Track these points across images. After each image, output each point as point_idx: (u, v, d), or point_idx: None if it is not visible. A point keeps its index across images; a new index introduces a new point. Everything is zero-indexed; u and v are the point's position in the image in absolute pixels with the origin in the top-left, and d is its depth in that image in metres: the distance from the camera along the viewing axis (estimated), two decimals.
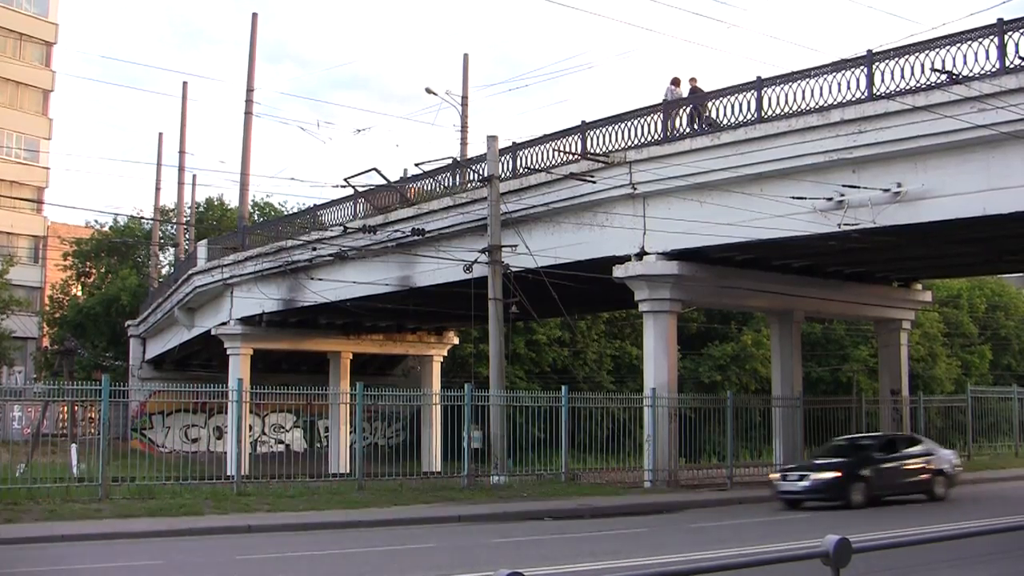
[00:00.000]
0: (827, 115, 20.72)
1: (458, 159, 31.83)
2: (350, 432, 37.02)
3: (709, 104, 23.53)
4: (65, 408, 36.56)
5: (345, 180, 29.48)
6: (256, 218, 53.41)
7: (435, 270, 28.87)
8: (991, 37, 18.37)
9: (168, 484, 22.43)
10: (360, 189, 30.53)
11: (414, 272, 30.27)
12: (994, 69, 18.26)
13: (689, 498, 24.23)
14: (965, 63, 18.58)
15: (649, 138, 24.13)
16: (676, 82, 25.12)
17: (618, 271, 25.45)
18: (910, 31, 72.17)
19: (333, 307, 34.13)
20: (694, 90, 24.68)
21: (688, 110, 24.17)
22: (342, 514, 19.95)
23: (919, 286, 32.80)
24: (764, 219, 21.79)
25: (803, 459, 27.14)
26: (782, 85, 21.73)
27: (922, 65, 19.23)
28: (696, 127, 23.73)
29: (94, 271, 56.51)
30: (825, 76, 20.90)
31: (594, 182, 24.61)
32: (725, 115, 22.68)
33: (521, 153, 26.95)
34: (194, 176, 79.10)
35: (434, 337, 43.59)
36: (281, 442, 44.34)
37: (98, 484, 20.90)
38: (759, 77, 22.19)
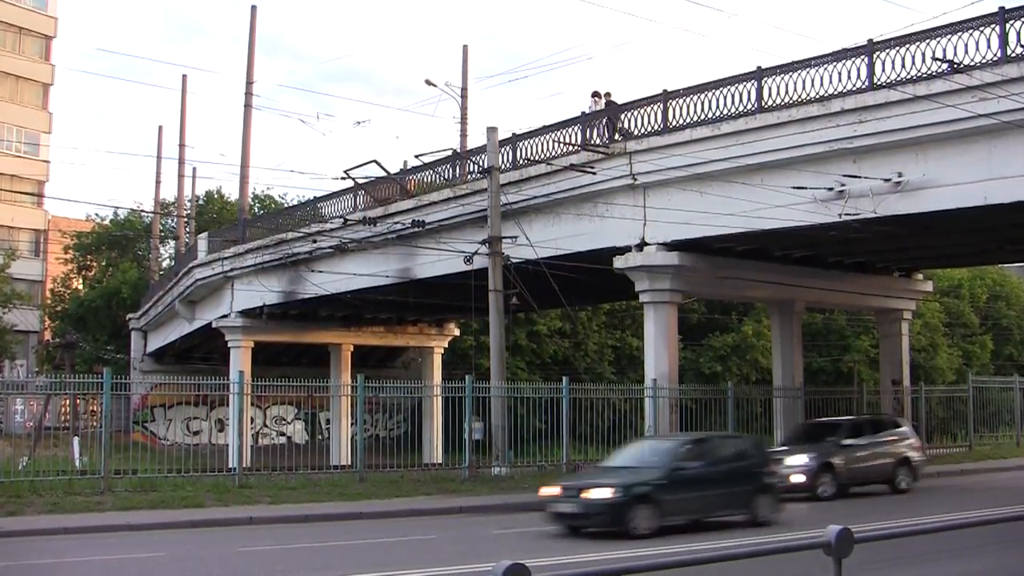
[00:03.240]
0: (828, 105, 20.67)
1: (458, 151, 31.80)
2: (351, 424, 37.07)
3: (622, 116, 24.96)
4: (67, 401, 36.57)
5: (345, 172, 29.43)
6: (256, 211, 53.36)
7: (435, 262, 28.84)
8: (992, 26, 18.31)
9: (170, 476, 22.47)
10: (360, 181, 30.47)
11: (414, 264, 30.24)
12: (995, 58, 18.20)
13: None
14: (966, 52, 18.52)
15: (649, 128, 24.12)
16: (597, 95, 26.56)
17: (618, 262, 25.43)
18: (911, 20, 72.15)
19: (334, 299, 34.13)
20: (609, 103, 25.83)
21: (604, 121, 25.34)
22: (343, 506, 19.99)
23: (920, 276, 32.76)
24: (765, 209, 21.74)
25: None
26: (782, 75, 21.68)
27: (923, 54, 19.17)
28: (610, 136, 24.97)
29: (95, 264, 56.47)
30: (826, 66, 20.84)
31: (594, 173, 24.58)
32: (725, 105, 22.64)
33: (521, 144, 26.91)
34: (194, 169, 79.15)
35: (435, 329, 43.57)
36: (282, 434, 44.33)
37: (100, 477, 20.94)
38: (759, 67, 22.15)
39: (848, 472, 22.37)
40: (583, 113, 26.08)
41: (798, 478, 21.34)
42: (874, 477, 23.10)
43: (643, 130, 24.23)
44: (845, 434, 23.35)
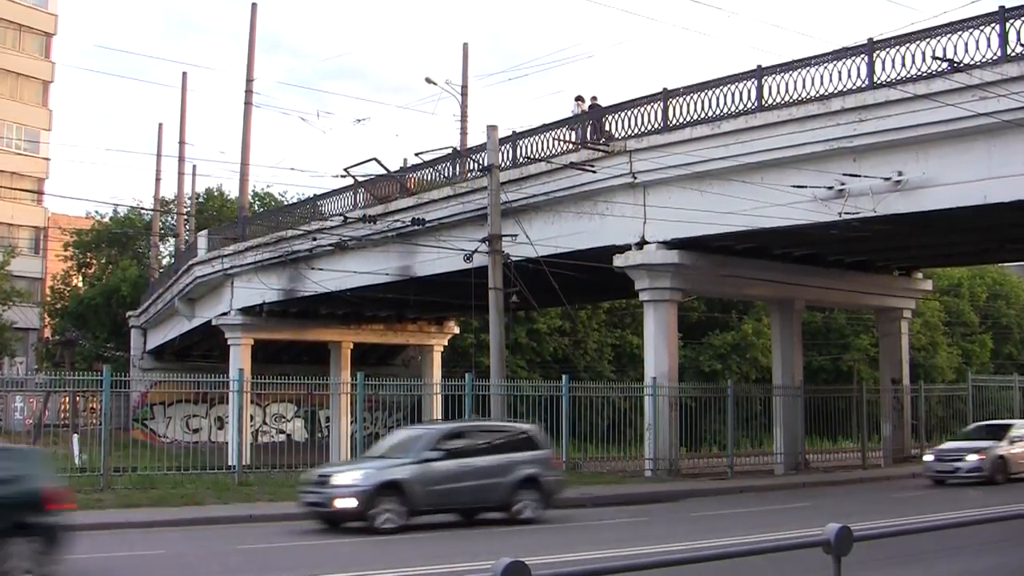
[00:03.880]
0: (828, 104, 20.68)
1: (458, 149, 31.79)
2: (351, 422, 36.96)
3: (607, 118, 25.36)
4: (67, 399, 36.56)
5: (345, 170, 29.42)
6: (256, 208, 53.37)
7: (435, 260, 28.86)
8: (992, 24, 18.32)
9: (170, 474, 22.51)
10: (360, 179, 30.46)
11: (414, 262, 30.26)
12: (995, 57, 18.22)
13: (690, 487, 24.27)
14: (966, 51, 18.54)
15: (649, 127, 24.14)
16: (580, 99, 26.91)
17: (618, 260, 25.46)
18: (911, 19, 72.14)
19: (334, 297, 34.14)
20: (593, 106, 26.25)
21: (589, 124, 25.75)
22: None
23: (920, 275, 32.79)
24: (765, 208, 21.76)
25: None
26: (783, 73, 21.70)
27: (923, 53, 19.20)
28: (594, 138, 25.29)
29: (95, 262, 56.51)
30: (826, 64, 20.87)
31: (594, 171, 24.60)
32: (725, 103, 22.66)
33: (521, 142, 26.94)
34: (194, 166, 79.13)
35: (435, 327, 43.60)
36: (282, 432, 44.28)
37: (100, 474, 20.96)
38: (759, 65, 22.17)
39: (428, 495, 16.57)
40: (582, 114, 26.25)
41: (347, 503, 16.26)
42: (478, 502, 17.44)
43: (643, 128, 24.26)
44: (431, 443, 17.28)
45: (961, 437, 26.80)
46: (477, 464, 17.49)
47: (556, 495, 18.40)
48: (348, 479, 16.62)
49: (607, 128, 25.20)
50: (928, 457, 25.93)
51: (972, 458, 24.30)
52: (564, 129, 25.97)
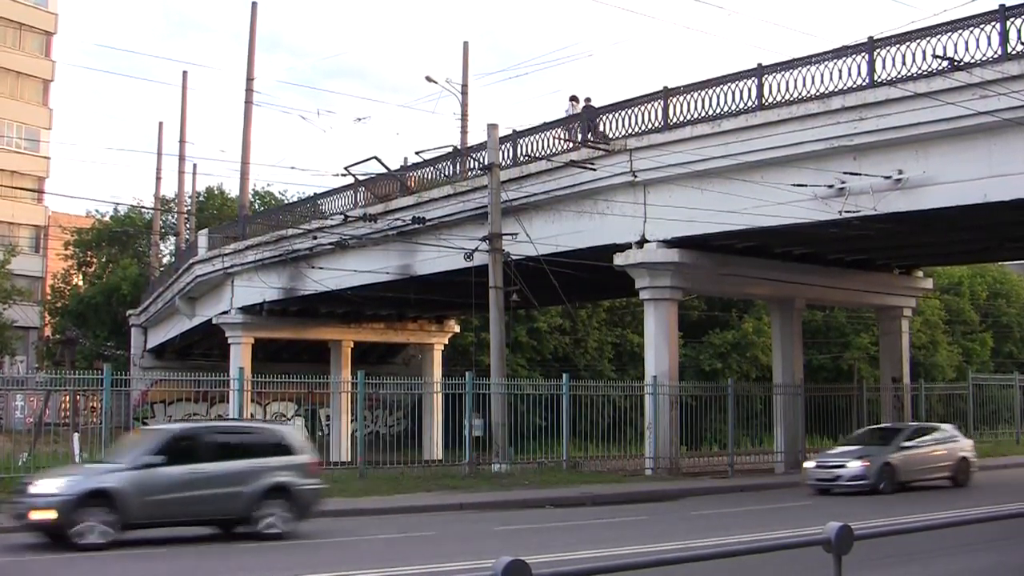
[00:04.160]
0: (828, 102, 20.68)
1: (458, 147, 31.80)
2: (351, 421, 37.05)
3: (605, 117, 25.38)
4: (67, 397, 36.56)
5: (345, 169, 29.52)
6: (256, 207, 53.37)
7: (436, 258, 28.88)
8: (993, 23, 18.33)
9: None
10: (360, 177, 30.51)
11: (415, 260, 30.27)
12: (996, 55, 18.22)
13: (690, 486, 24.27)
14: (967, 49, 18.55)
15: (649, 125, 24.15)
16: (575, 99, 27.12)
17: (619, 259, 25.47)
18: (912, 17, 72.06)
19: (334, 296, 34.14)
20: (587, 107, 26.34)
21: (584, 123, 25.86)
22: (344, 502, 19.95)
23: (920, 273, 32.79)
24: (765, 206, 21.78)
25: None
26: (783, 72, 21.70)
27: (923, 51, 19.20)
28: (589, 139, 25.40)
29: (95, 261, 56.52)
30: (826, 63, 20.87)
31: (594, 170, 24.61)
32: (726, 102, 22.67)
33: (521, 141, 26.95)
34: (194, 165, 78.99)
35: (435, 326, 43.62)
36: None
37: None
38: (759, 64, 22.18)
39: (146, 506, 14.36)
40: (577, 114, 26.27)
41: (44, 515, 14.13)
42: (212, 514, 15.18)
43: (643, 127, 24.27)
44: (154, 447, 15.01)
45: (848, 442, 24.92)
46: (211, 471, 15.11)
47: (313, 506, 16.19)
48: (49, 487, 14.43)
49: (602, 129, 25.22)
50: (809, 464, 23.72)
51: (855, 465, 22.19)
52: (559, 129, 25.96)
